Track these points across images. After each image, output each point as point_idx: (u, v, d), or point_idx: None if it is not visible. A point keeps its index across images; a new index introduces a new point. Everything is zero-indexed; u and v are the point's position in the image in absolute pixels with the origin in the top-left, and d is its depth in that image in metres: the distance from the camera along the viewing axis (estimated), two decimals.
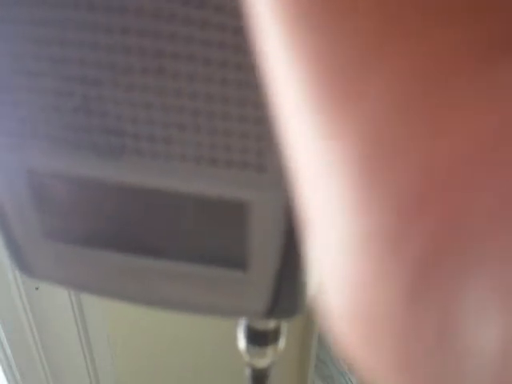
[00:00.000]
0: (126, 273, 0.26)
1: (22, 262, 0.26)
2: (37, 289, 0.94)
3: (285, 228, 0.23)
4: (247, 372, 0.39)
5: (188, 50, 0.20)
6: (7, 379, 1.00)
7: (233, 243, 0.24)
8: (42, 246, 0.26)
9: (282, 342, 0.37)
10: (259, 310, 0.26)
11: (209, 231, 0.25)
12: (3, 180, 0.24)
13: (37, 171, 0.24)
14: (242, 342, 0.36)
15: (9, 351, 0.98)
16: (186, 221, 0.24)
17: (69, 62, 0.20)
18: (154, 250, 0.25)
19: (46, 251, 0.26)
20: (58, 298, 0.98)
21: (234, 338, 0.37)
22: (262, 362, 0.37)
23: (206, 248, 0.25)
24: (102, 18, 0.19)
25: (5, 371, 0.99)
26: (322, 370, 1.27)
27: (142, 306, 0.28)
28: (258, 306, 0.26)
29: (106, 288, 0.27)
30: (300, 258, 0.23)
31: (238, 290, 0.26)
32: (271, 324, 0.35)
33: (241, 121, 0.21)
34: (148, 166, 0.22)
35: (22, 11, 0.20)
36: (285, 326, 0.37)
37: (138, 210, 0.24)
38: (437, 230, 0.08)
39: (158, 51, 0.20)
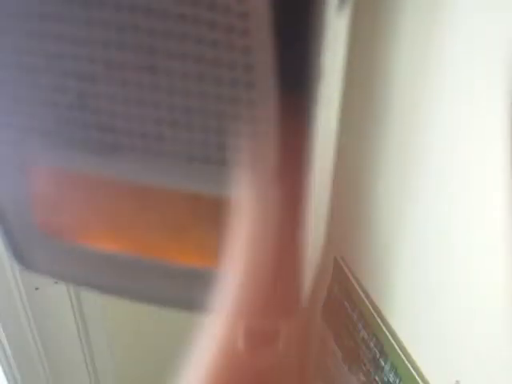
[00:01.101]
0: (124, 269, 0.26)
1: (21, 256, 0.27)
2: (37, 289, 0.94)
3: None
4: None
5: (182, 48, 0.20)
6: (7, 379, 1.00)
7: None
8: (39, 241, 0.26)
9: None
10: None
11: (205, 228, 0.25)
12: None
13: (31, 166, 0.24)
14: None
15: (9, 351, 0.98)
16: (182, 217, 0.25)
17: (64, 57, 0.21)
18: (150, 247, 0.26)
19: (43, 245, 0.26)
20: (58, 298, 0.98)
21: None
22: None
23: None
24: (97, 13, 0.20)
25: (5, 371, 1.00)
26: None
27: (142, 305, 0.28)
28: None
29: (104, 284, 0.27)
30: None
31: None
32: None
33: (235, 119, 0.21)
34: (141, 162, 0.22)
35: (18, 5, 0.20)
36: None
37: (133, 207, 0.24)
38: None
39: (151, 48, 0.20)
